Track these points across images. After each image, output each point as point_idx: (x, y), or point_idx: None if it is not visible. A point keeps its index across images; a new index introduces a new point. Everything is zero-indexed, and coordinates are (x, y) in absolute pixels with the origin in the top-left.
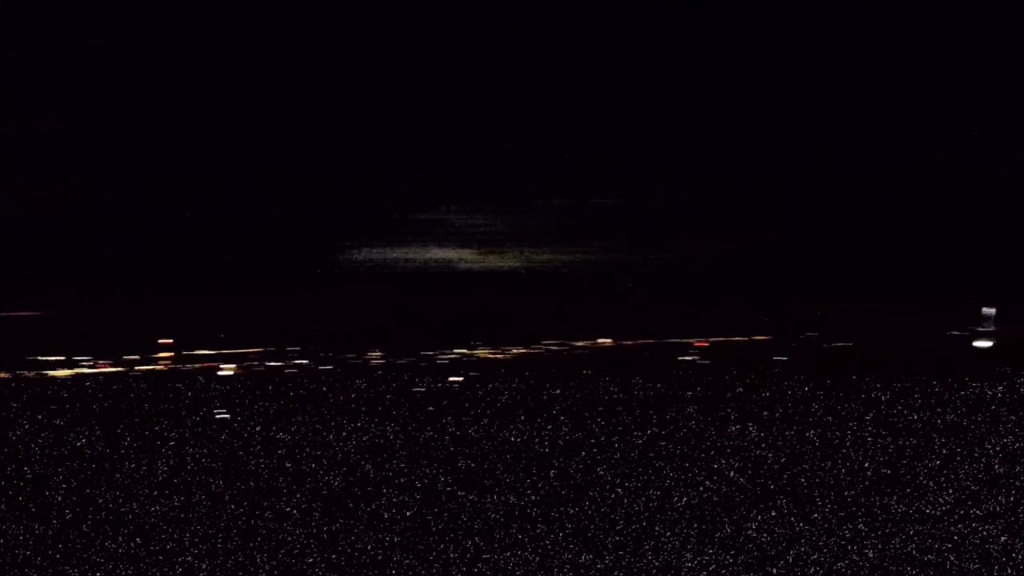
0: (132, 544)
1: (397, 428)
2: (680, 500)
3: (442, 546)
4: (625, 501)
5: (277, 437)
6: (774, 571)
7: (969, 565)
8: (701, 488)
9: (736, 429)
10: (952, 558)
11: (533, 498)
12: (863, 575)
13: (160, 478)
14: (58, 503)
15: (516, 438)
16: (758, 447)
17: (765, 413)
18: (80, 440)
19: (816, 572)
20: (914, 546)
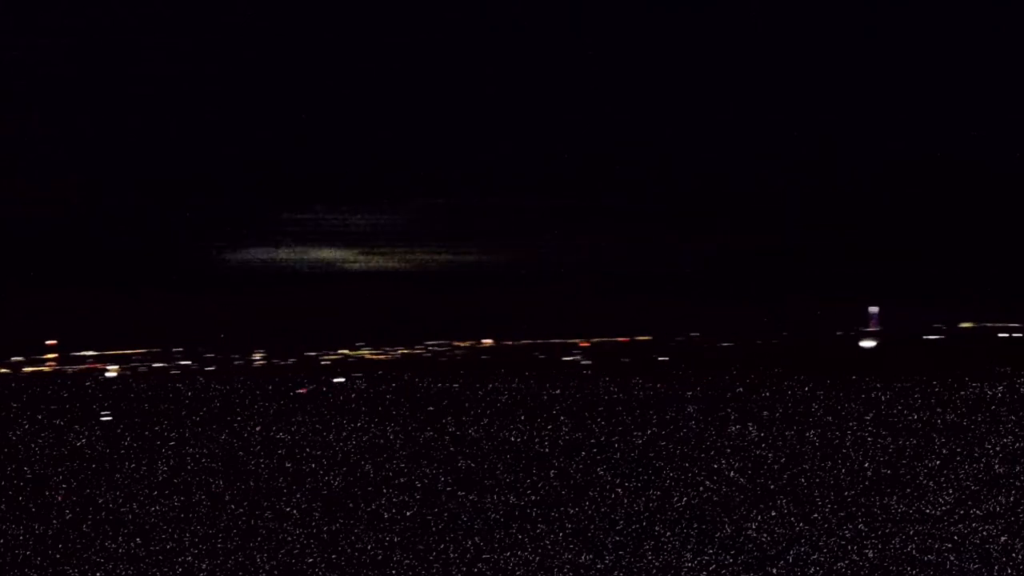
0: (132, 544)
1: (397, 428)
2: (680, 500)
3: (442, 546)
4: (625, 501)
5: (277, 437)
6: (774, 571)
7: (969, 565)
8: (701, 488)
9: (736, 429)
10: (952, 558)
11: (533, 498)
12: (863, 575)
13: (160, 478)
14: (58, 503)
15: (516, 438)
16: (758, 447)
17: (765, 413)
18: (80, 440)
19: (816, 572)
20: (914, 546)
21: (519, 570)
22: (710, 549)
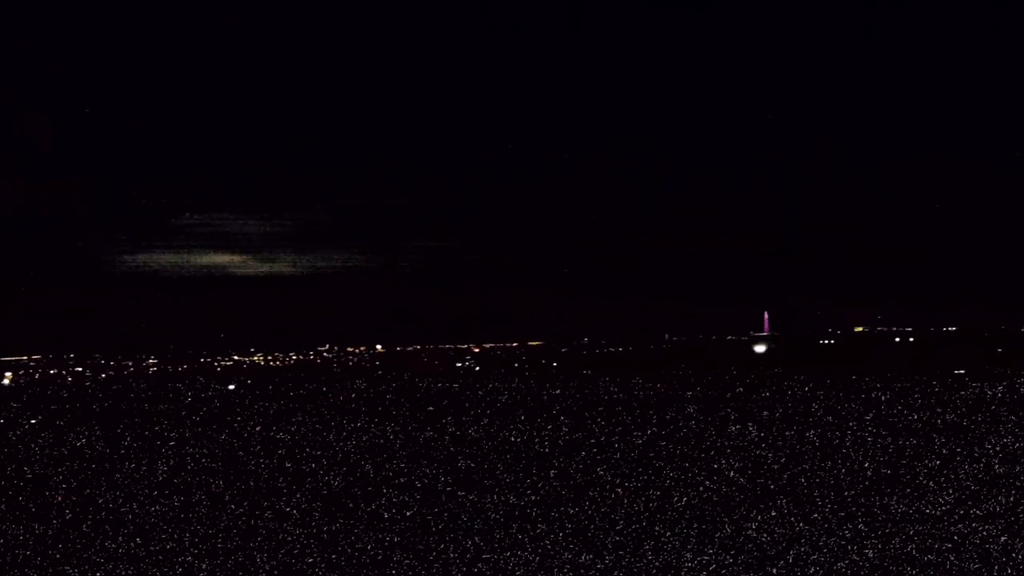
0: (132, 544)
1: (397, 428)
2: (680, 500)
3: (442, 546)
4: (625, 501)
5: (277, 437)
6: (774, 571)
7: (969, 565)
8: (701, 488)
9: (736, 429)
10: (952, 558)
11: (533, 498)
12: (863, 575)
13: (160, 478)
14: (58, 503)
15: (516, 438)
16: (758, 447)
17: (764, 413)
18: (80, 440)
19: (816, 572)
20: (914, 546)
21: (519, 570)
22: (710, 549)
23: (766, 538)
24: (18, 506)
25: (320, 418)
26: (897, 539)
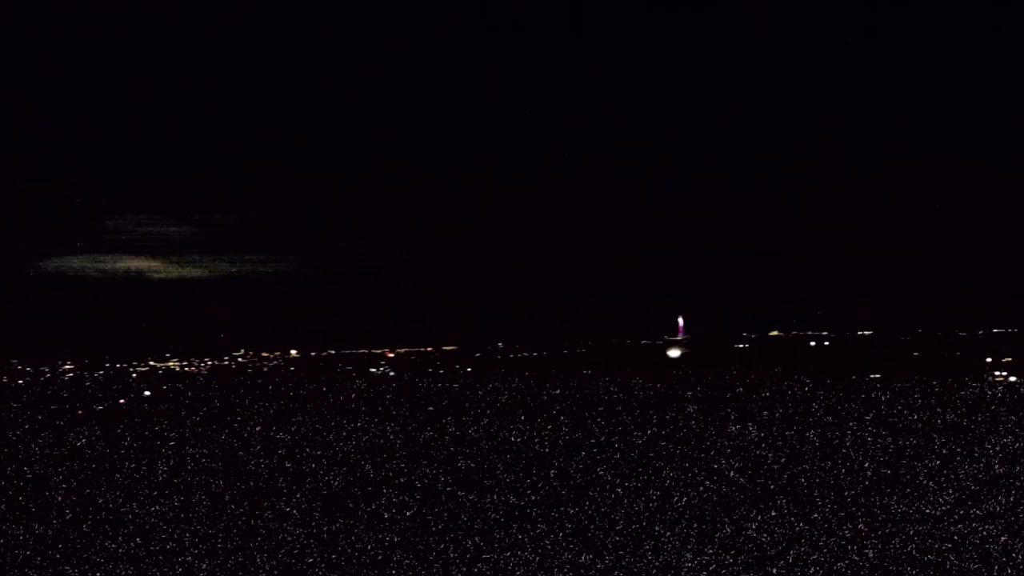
0: (132, 544)
1: (397, 428)
2: (680, 500)
3: (442, 546)
4: (625, 501)
5: (277, 437)
6: (774, 571)
7: (969, 565)
8: (701, 488)
9: (736, 429)
10: (952, 558)
11: (533, 498)
12: (863, 575)
13: (160, 478)
14: (58, 503)
15: (516, 438)
16: (758, 447)
17: (765, 413)
18: (80, 440)
19: (816, 572)
20: (914, 546)
21: (519, 570)
22: (710, 549)
23: (766, 538)
24: (18, 506)
25: (320, 418)
26: (897, 539)
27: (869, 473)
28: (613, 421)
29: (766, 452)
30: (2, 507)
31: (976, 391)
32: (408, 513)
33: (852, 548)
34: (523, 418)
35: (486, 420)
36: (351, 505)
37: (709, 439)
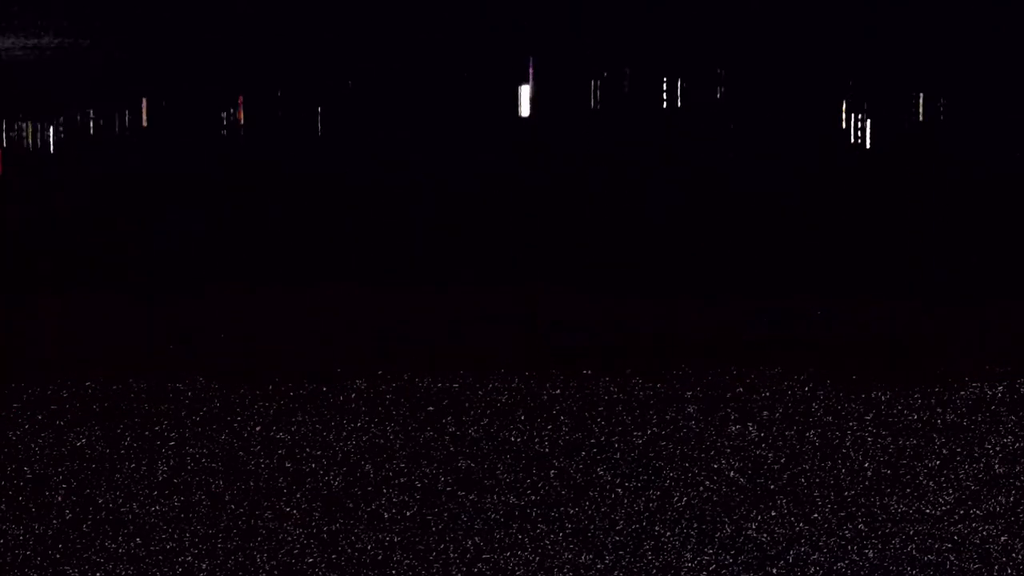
0: (132, 544)
1: (397, 428)
2: (680, 500)
3: (442, 546)
4: (625, 501)
5: (277, 437)
6: (774, 571)
7: (969, 565)
8: (701, 488)
9: (736, 429)
10: (952, 558)
11: (533, 498)
12: (863, 575)
13: (160, 478)
14: (58, 503)
15: (516, 438)
16: (758, 447)
17: (764, 413)
18: (80, 440)
19: (816, 572)
20: (914, 546)
21: (519, 570)
22: (710, 549)
23: (766, 538)
24: (18, 506)
25: (320, 418)
26: (897, 539)
27: (869, 473)
28: (613, 421)
29: (766, 452)
30: (2, 507)
31: (976, 391)
32: (408, 513)
33: (852, 548)
34: (523, 418)
35: (486, 420)
36: (351, 505)
37: (709, 439)
